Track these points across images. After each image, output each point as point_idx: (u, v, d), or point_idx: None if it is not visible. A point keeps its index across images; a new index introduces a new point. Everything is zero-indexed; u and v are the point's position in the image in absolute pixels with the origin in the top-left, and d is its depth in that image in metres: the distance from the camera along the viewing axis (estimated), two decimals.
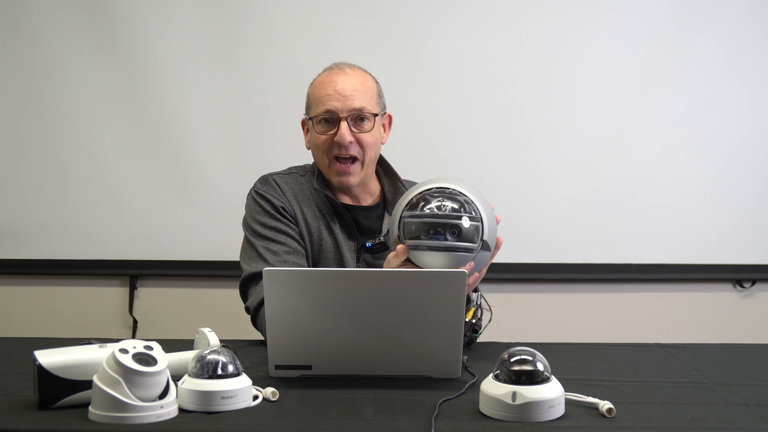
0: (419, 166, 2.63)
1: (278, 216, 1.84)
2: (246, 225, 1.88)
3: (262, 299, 1.70)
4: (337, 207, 1.88)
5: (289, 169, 1.97)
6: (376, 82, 1.94)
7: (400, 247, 1.55)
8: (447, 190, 1.57)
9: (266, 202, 1.86)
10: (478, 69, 2.75)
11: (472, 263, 1.56)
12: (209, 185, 2.74)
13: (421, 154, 2.75)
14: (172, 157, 2.77)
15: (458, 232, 1.52)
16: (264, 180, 1.92)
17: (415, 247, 1.54)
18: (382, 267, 1.83)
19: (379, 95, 1.92)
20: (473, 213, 1.54)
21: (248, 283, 1.81)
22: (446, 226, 1.52)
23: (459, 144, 2.77)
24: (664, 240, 2.81)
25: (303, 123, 1.97)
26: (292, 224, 1.85)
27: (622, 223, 2.80)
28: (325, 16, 2.73)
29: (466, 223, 1.53)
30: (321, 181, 1.90)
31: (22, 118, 2.78)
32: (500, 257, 1.75)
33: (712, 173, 2.80)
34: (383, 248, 1.80)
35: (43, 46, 2.74)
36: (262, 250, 1.81)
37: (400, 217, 1.58)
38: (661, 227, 2.81)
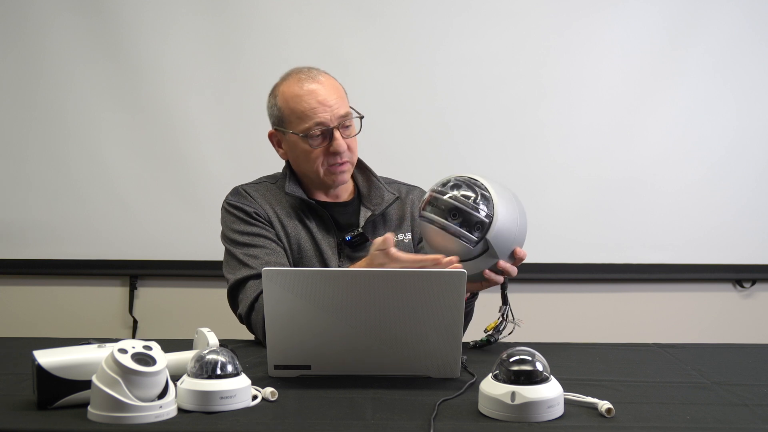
0: (420, 165, 2.65)
1: (252, 221, 1.84)
2: (224, 237, 1.88)
3: (252, 301, 1.73)
4: (312, 205, 1.88)
5: (259, 179, 1.98)
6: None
7: (388, 235, 1.57)
8: (473, 181, 1.60)
9: (239, 211, 1.86)
10: (479, 69, 2.75)
11: (470, 262, 1.55)
12: (209, 185, 2.73)
13: (423, 153, 2.75)
14: (172, 157, 2.77)
15: (458, 215, 1.55)
16: (235, 191, 1.92)
17: (422, 217, 1.60)
18: (363, 259, 1.84)
19: (347, 95, 1.92)
20: (485, 208, 1.56)
21: (236, 290, 1.79)
22: (449, 206, 1.55)
23: (459, 144, 2.77)
24: (663, 240, 2.81)
25: (271, 135, 1.94)
26: (267, 227, 1.85)
27: (621, 223, 2.80)
28: (329, 18, 2.73)
29: (470, 210, 1.55)
30: (293, 184, 1.89)
31: (24, 119, 2.78)
32: None
33: (712, 173, 2.80)
34: (363, 240, 1.83)
35: (46, 49, 2.74)
36: (243, 257, 1.80)
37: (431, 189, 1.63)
38: (660, 227, 2.81)
